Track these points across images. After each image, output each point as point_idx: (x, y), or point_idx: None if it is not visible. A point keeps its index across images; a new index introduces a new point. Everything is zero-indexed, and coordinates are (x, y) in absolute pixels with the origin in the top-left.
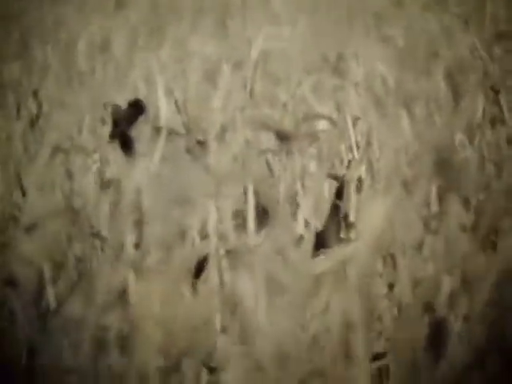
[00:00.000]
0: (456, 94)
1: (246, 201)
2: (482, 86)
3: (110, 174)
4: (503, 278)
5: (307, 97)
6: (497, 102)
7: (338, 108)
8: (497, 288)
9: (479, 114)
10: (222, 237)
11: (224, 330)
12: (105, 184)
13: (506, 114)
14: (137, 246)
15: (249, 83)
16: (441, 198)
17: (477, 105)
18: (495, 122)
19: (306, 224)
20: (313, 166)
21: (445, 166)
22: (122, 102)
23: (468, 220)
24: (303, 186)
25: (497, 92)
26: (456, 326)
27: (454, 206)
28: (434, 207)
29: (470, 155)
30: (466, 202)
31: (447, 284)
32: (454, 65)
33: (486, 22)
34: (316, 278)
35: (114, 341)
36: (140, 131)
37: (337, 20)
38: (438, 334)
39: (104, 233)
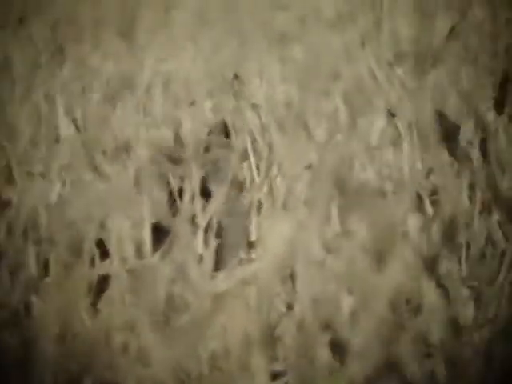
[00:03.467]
0: (354, 115)
1: (144, 221)
2: (379, 107)
3: (7, 193)
4: (395, 299)
5: (207, 117)
6: (395, 124)
7: (238, 130)
8: (390, 307)
9: (377, 135)
10: (122, 256)
11: (124, 349)
12: (3, 203)
13: (404, 136)
14: (37, 264)
15: (146, 104)
16: (341, 218)
17: (376, 126)
18: (395, 143)
19: (206, 244)
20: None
21: (345, 187)
22: (24, 121)
23: (368, 240)
24: (203, 206)
25: (393, 115)
26: (356, 344)
27: (355, 226)
28: (335, 227)
29: (369, 176)
30: (366, 222)
31: (347, 303)
32: (353, 85)
33: (384, 41)
34: (216, 297)
35: (12, 359)
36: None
37: (237, 39)
38: (337, 354)
39: (2, 250)
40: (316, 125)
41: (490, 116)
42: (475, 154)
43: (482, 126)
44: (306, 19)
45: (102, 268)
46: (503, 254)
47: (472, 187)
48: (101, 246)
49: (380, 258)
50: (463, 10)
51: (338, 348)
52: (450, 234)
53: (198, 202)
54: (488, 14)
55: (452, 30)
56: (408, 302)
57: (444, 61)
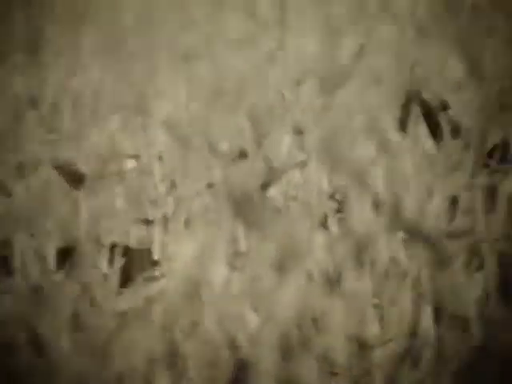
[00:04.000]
0: (261, 134)
1: (49, 238)
2: (286, 126)
3: None
4: (300, 316)
5: (115, 135)
6: (301, 144)
7: (145, 147)
8: (295, 325)
9: (283, 153)
10: (26, 274)
11: (29, 366)
12: None
13: (310, 154)
14: None
15: (52, 120)
16: (246, 237)
17: (282, 144)
18: (302, 162)
19: (111, 262)
20: (119, 204)
21: (250, 205)
22: None
23: (272, 258)
24: (108, 224)
25: (300, 132)
26: (260, 361)
27: (259, 244)
28: (240, 245)
29: (275, 194)
30: (270, 240)
31: (252, 321)
32: (259, 104)
33: (291, 60)
34: (120, 315)
35: None
36: None
37: (143, 58)
38: (242, 372)
39: None
40: (221, 143)
41: (394, 136)
42: (379, 173)
43: (385, 146)
44: (212, 38)
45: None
46: (405, 273)
47: (376, 206)
48: (4, 263)
49: (284, 275)
50: (370, 28)
51: (243, 367)
52: (354, 252)
53: (104, 220)
54: (395, 33)
55: (359, 49)
56: (312, 319)
57: (351, 80)
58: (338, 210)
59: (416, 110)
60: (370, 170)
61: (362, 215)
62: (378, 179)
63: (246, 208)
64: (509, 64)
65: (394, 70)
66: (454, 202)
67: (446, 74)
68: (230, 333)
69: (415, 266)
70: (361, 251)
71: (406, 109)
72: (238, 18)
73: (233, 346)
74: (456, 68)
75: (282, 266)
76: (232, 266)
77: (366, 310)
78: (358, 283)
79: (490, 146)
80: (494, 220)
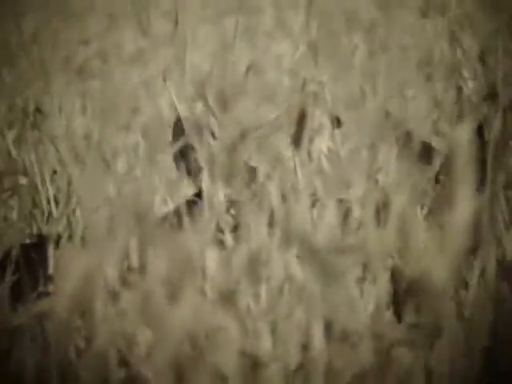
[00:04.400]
0: (154, 149)
1: None
2: (180, 142)
3: None
4: (192, 332)
5: (10, 150)
6: (195, 158)
7: (38, 162)
8: (187, 341)
9: (174, 171)
10: None
11: None
12: None
13: (204, 169)
14: None
15: None
16: (139, 252)
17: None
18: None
19: (2, 278)
20: (14, 219)
21: (143, 220)
22: None
23: (165, 274)
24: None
25: (195, 148)
26: (151, 379)
27: (152, 260)
28: (133, 261)
29: (169, 210)
30: (163, 256)
31: (143, 338)
32: (153, 120)
33: (186, 76)
34: (11, 332)
35: None
36: None
37: (39, 72)
38: None
39: None
40: (115, 158)
41: (288, 152)
42: (274, 189)
43: (280, 162)
44: (107, 54)
45: None
46: (299, 289)
47: (271, 222)
48: None
49: (177, 291)
50: (264, 45)
51: (135, 382)
52: (249, 268)
53: None
54: (288, 48)
55: (252, 65)
56: (206, 335)
57: (244, 96)
58: (234, 225)
59: (309, 126)
60: (264, 184)
61: (257, 230)
62: (273, 194)
63: (140, 223)
64: (400, 81)
65: (287, 86)
66: (346, 217)
67: (338, 90)
68: (122, 350)
69: (308, 281)
70: (255, 267)
71: (299, 125)
72: (133, 34)
73: (125, 362)
74: (350, 84)
75: (174, 283)
76: (124, 283)
77: (259, 325)
78: (252, 299)
79: (381, 162)
80: (385, 236)
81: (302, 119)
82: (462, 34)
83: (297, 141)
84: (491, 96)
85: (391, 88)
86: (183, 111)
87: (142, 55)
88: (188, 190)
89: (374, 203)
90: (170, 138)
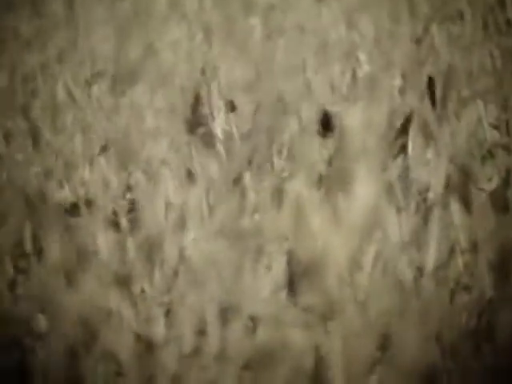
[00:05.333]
0: (51, 132)
1: None
2: (76, 126)
3: None
4: (87, 317)
5: None
6: (90, 143)
7: None
8: (82, 325)
9: (74, 152)
10: None
11: None
12: None
13: (98, 153)
14: None
15: None
16: (34, 239)
17: (73, 142)
18: (91, 160)
19: None
20: None
21: (38, 206)
22: None
23: (60, 259)
24: None
25: (91, 131)
26: (43, 363)
27: (47, 246)
28: (27, 247)
29: (65, 194)
30: (58, 241)
31: (39, 323)
32: (49, 103)
33: (82, 59)
34: None
35: None
36: None
37: None
38: (29, 373)
39: None
40: (9, 142)
41: (184, 137)
42: (169, 172)
43: (175, 146)
44: (4, 37)
45: None
46: (195, 272)
47: (167, 206)
48: None
49: (72, 277)
50: (159, 28)
51: (30, 366)
52: (145, 251)
53: None
54: (184, 33)
55: (148, 49)
56: (100, 319)
57: (141, 80)
58: (130, 209)
59: (205, 111)
60: (160, 169)
61: (153, 214)
62: (168, 179)
63: (33, 209)
64: (297, 64)
65: (183, 70)
66: (243, 200)
67: (234, 74)
68: (18, 335)
69: (205, 264)
70: (152, 250)
71: (194, 109)
72: (28, 17)
73: (18, 347)
74: (245, 68)
75: (69, 268)
76: (19, 269)
77: (153, 309)
78: (147, 282)
79: (278, 145)
80: (281, 219)
81: (196, 104)
82: (359, 19)
83: (192, 125)
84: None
85: (287, 71)
86: (79, 95)
87: (38, 37)
88: (84, 174)
89: (270, 187)
90: (67, 121)
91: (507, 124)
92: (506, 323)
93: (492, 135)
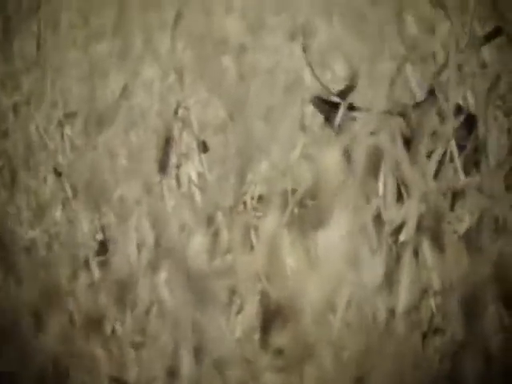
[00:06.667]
0: (18, 172)
1: None
2: (47, 166)
3: None
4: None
5: None
6: (62, 184)
7: None
8: (48, 370)
9: (46, 193)
10: None
11: None
12: None
13: (70, 194)
14: None
15: None
16: (4, 279)
17: (46, 184)
18: (64, 202)
19: None
20: None
21: (7, 246)
22: None
23: (29, 299)
24: None
25: (59, 174)
26: None
27: (14, 286)
28: None
29: (36, 235)
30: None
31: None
32: (21, 143)
33: (54, 100)
34: None
35: None
36: None
37: None
38: None
39: None
40: None
41: (156, 178)
42: (143, 213)
43: (148, 186)
44: None
45: None
46: (167, 313)
47: (140, 247)
48: None
49: (43, 319)
50: (134, 69)
51: None
52: (117, 293)
53: None
54: (158, 74)
55: (122, 89)
56: (72, 361)
57: (114, 120)
58: (101, 250)
59: (178, 151)
60: (134, 209)
61: (125, 254)
62: (143, 219)
63: (3, 249)
64: (268, 105)
65: (156, 110)
66: (215, 241)
67: (206, 115)
68: None
69: (177, 305)
70: (124, 291)
71: (165, 150)
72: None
73: None
74: (218, 108)
75: (40, 310)
76: None
77: (126, 351)
78: (119, 323)
79: (250, 185)
80: (254, 259)
81: (168, 144)
82: (332, 58)
83: (164, 166)
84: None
85: (259, 112)
86: (51, 135)
87: (9, 78)
88: (56, 215)
89: (243, 227)
90: (38, 161)
91: (476, 164)
92: (477, 366)
93: (460, 179)
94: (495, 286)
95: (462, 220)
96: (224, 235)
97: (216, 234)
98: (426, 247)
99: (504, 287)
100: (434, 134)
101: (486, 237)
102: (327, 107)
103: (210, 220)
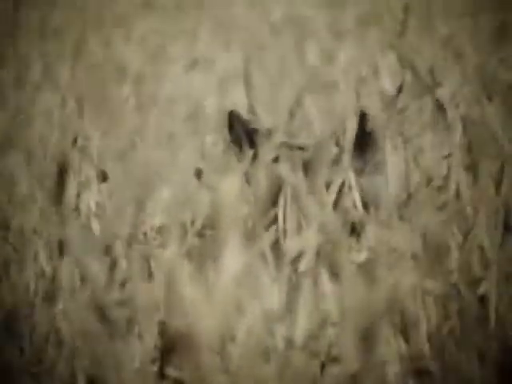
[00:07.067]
0: None
1: None
2: None
3: None
4: None
5: None
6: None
7: None
8: None
9: None
10: None
11: None
12: None
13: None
14: None
15: None
16: None
17: None
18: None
19: None
20: None
21: None
22: None
23: None
24: None
25: None
26: None
27: None
28: None
29: None
30: None
31: None
32: None
33: None
34: None
35: None
36: None
37: None
38: None
39: None
40: None
41: (54, 207)
42: (41, 244)
43: (47, 216)
44: None
45: None
46: (66, 343)
47: (37, 279)
48: None
49: None
50: (32, 97)
51: None
52: (10, 324)
53: None
54: (57, 102)
55: (21, 117)
56: None
57: (13, 148)
58: None
59: (77, 180)
60: (31, 239)
61: (20, 287)
62: (39, 249)
63: None
64: (168, 134)
65: (54, 139)
66: (113, 270)
67: (106, 144)
68: None
69: (72, 334)
70: (17, 322)
71: (66, 179)
72: None
73: None
74: (118, 137)
75: None
76: None
77: (22, 379)
78: (16, 353)
79: (149, 215)
80: (152, 290)
81: (67, 173)
82: (232, 86)
83: (63, 195)
84: None
85: (159, 140)
86: None
87: None
88: None
89: (141, 257)
90: None
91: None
92: None
93: (358, 210)
94: (391, 315)
95: (360, 250)
96: (122, 264)
97: (114, 264)
98: (325, 277)
99: (400, 317)
100: (333, 164)
101: (383, 268)
102: (241, 129)
103: (108, 249)
